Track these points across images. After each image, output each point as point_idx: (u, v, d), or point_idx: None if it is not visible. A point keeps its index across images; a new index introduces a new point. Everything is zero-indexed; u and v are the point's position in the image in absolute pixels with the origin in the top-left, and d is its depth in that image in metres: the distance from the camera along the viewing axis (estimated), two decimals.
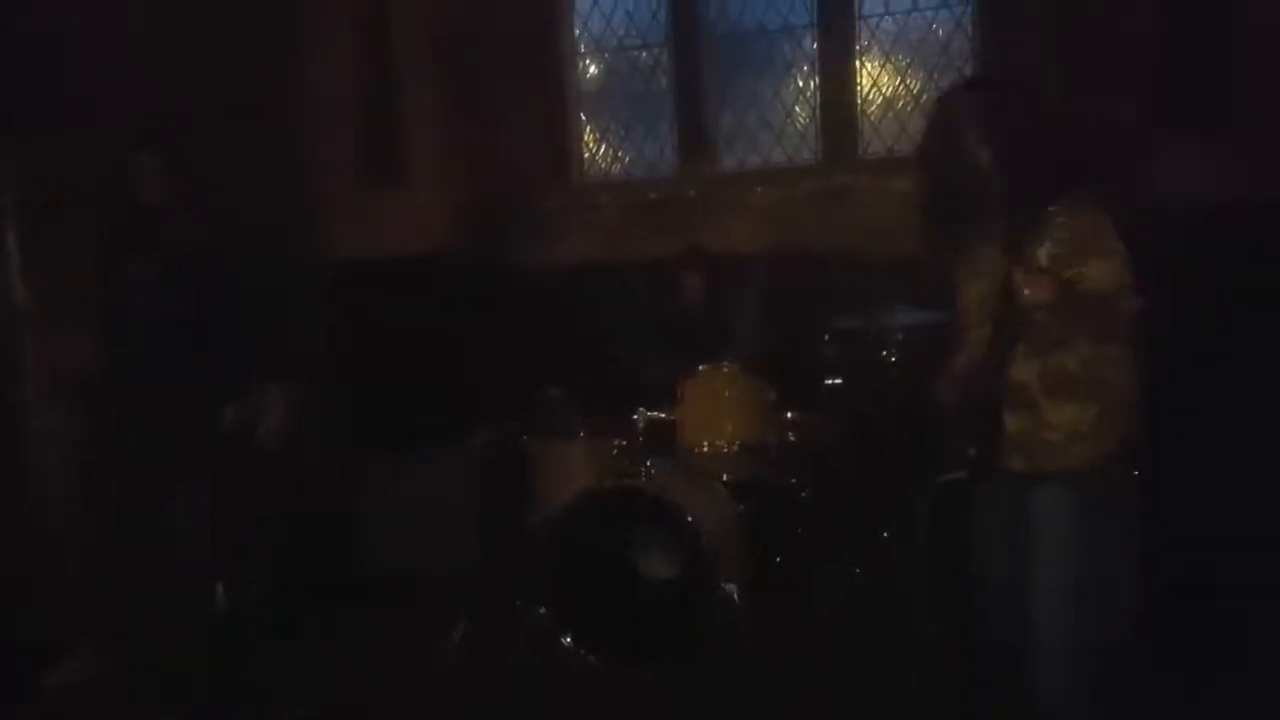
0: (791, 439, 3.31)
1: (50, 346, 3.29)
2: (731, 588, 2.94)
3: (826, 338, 3.30)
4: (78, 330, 2.99)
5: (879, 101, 4.49)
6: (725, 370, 3.30)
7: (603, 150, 4.85)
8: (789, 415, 3.37)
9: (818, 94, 4.52)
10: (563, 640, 2.96)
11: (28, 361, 3.31)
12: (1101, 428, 2.04)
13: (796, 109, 4.61)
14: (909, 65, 4.44)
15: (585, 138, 4.84)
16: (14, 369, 3.33)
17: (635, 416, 3.30)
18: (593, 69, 4.85)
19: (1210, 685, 2.66)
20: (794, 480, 3.29)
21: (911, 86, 4.45)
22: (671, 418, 3.32)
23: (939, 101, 2.26)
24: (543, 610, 3.01)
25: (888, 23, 4.44)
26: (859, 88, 4.48)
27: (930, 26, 4.39)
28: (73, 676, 3.14)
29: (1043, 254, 1.94)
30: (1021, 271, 1.91)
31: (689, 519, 2.93)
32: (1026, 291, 1.90)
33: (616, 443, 3.31)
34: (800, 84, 4.58)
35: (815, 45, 4.51)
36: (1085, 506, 2.04)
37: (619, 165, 4.84)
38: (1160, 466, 2.93)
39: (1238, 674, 2.72)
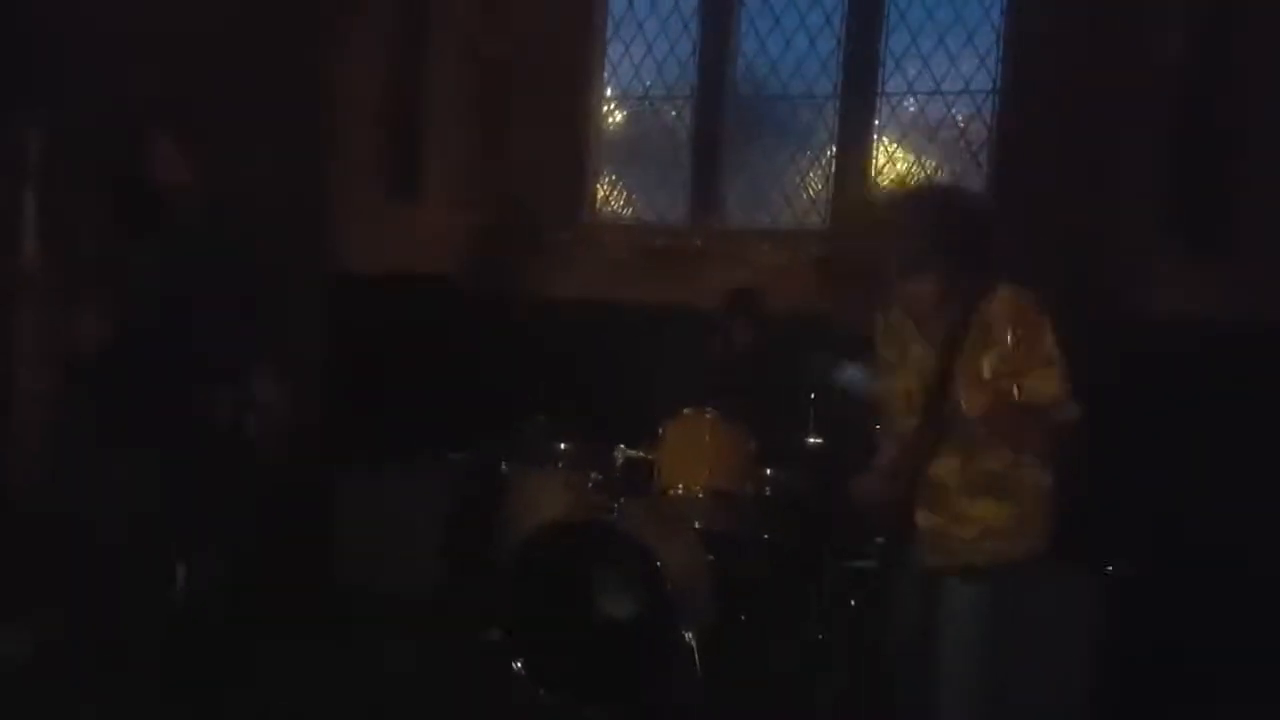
0: (768, 493, 3.29)
1: (51, 317, 3.31)
2: (690, 636, 2.91)
3: (812, 396, 3.30)
4: (79, 303, 3.00)
5: (891, 176, 4.57)
6: (707, 415, 3.30)
7: (616, 192, 4.93)
8: (768, 470, 3.36)
9: (833, 163, 4.61)
10: (514, 667, 2.92)
11: (25, 330, 3.32)
12: (1018, 527, 2.04)
13: (810, 175, 4.69)
14: (925, 145, 4.53)
15: (601, 178, 4.92)
16: (9, 337, 3.35)
17: (615, 453, 3.29)
18: (617, 114, 4.95)
19: None
20: (766, 535, 3.27)
21: (926, 166, 4.53)
22: (650, 457, 3.32)
23: (890, 203, 2.33)
24: (498, 635, 2.97)
25: (909, 102, 4.54)
26: (874, 161, 4.56)
27: (950, 111, 4.50)
28: (17, 645, 3.10)
29: (985, 362, 1.88)
30: (963, 382, 1.88)
31: (656, 561, 2.91)
32: (964, 404, 1.86)
33: (594, 476, 3.30)
34: (816, 151, 4.68)
35: (836, 116, 4.61)
36: (995, 604, 2.03)
37: (630, 209, 4.91)
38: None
39: None
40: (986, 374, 1.86)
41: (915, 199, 2.28)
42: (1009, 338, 1.83)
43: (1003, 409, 1.85)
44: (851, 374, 3.32)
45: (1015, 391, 1.82)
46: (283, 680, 3.00)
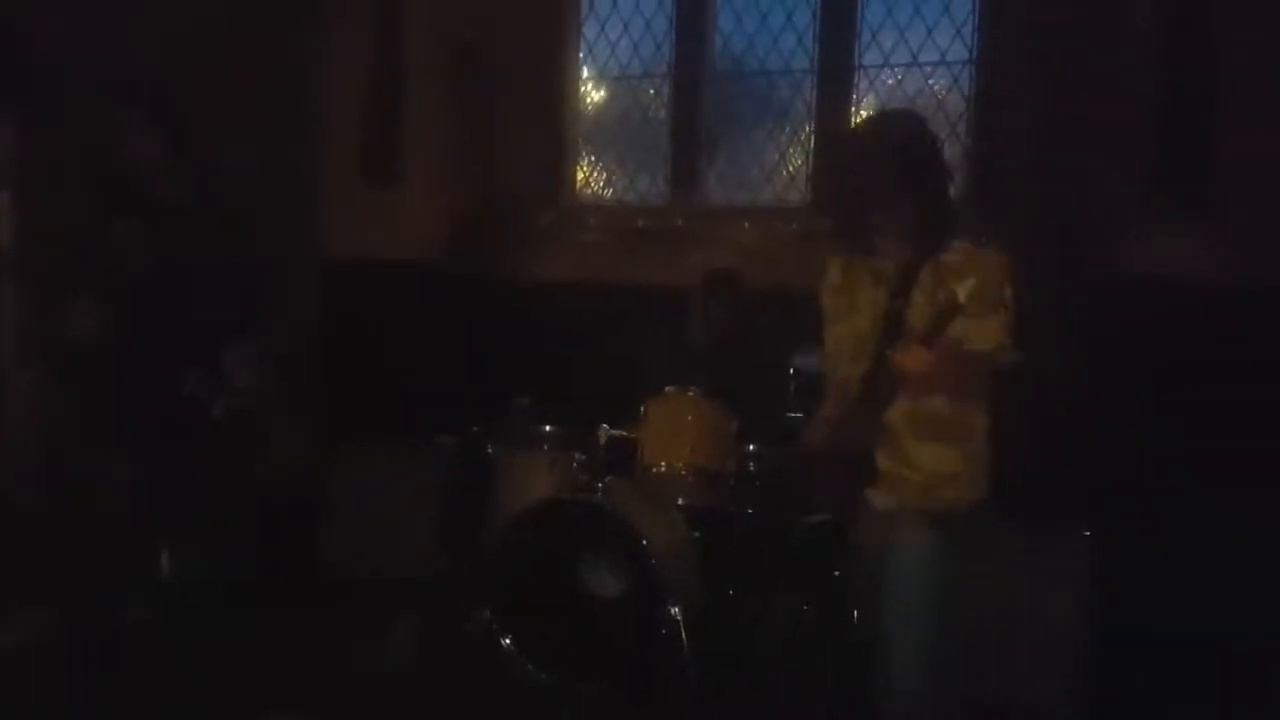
0: (750, 469, 3.33)
1: (31, 302, 3.31)
2: (677, 611, 2.96)
3: (791, 373, 3.33)
4: (61, 290, 3.00)
5: None
6: (689, 395, 3.33)
7: (596, 173, 4.93)
8: (750, 447, 3.39)
9: (812, 139, 4.62)
10: (503, 644, 2.96)
11: (6, 317, 3.33)
12: (963, 474, 2.06)
13: (790, 152, 4.70)
14: None
15: (581, 160, 4.92)
16: None
17: (598, 433, 3.33)
18: (594, 95, 4.94)
19: None
20: (749, 511, 3.31)
21: None
22: (633, 436, 3.35)
23: (850, 141, 2.32)
24: (488, 614, 3.01)
25: (886, 74, 4.54)
26: None
27: (927, 83, 4.50)
28: (12, 640, 3.13)
29: (928, 312, 1.90)
30: (901, 344, 1.89)
31: (641, 538, 2.95)
32: (906, 363, 1.87)
33: (578, 456, 3.34)
34: (795, 127, 4.68)
35: (814, 91, 4.61)
36: (945, 551, 2.04)
37: (611, 190, 4.92)
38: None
39: None
40: (926, 325, 1.87)
41: (879, 128, 2.24)
42: (961, 287, 1.83)
43: (943, 360, 1.87)
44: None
45: (958, 343, 1.84)
46: (274, 666, 3.03)
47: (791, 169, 4.68)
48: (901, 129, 2.13)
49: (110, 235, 2.86)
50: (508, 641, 3.00)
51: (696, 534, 3.22)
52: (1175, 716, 2.94)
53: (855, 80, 4.54)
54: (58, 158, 3.26)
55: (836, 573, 3.20)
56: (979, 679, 2.39)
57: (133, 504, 2.86)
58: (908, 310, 1.98)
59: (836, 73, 4.54)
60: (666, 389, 3.37)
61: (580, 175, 4.92)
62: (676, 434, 3.30)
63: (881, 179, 2.02)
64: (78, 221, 2.99)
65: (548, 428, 3.48)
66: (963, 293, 1.82)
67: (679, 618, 2.94)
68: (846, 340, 2.16)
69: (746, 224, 4.53)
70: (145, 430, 2.80)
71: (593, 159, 4.94)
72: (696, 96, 4.71)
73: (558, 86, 4.79)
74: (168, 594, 2.94)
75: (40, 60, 3.31)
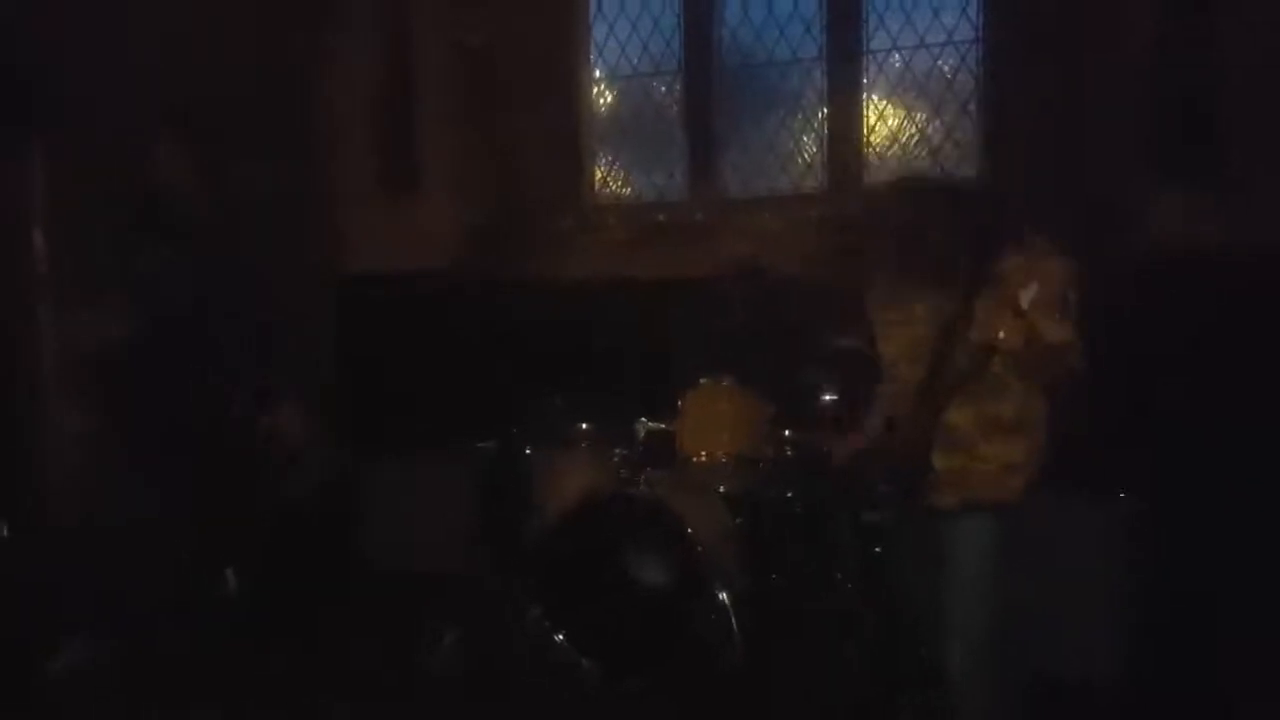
0: (788, 454, 3.39)
1: (66, 325, 3.39)
2: (725, 596, 3.02)
3: (823, 358, 3.39)
4: (94, 310, 3.07)
5: (884, 133, 4.62)
6: (724, 385, 3.39)
7: (613, 172, 4.99)
8: (786, 433, 3.45)
9: (825, 125, 4.66)
10: (556, 639, 3.03)
11: (44, 342, 3.41)
12: (1031, 462, 2.16)
13: (804, 139, 4.75)
14: (915, 99, 4.57)
15: (597, 160, 4.98)
16: (29, 350, 3.43)
17: (636, 427, 3.39)
18: (607, 94, 5.00)
19: None
20: (789, 495, 3.37)
21: (916, 120, 4.58)
22: (671, 429, 3.41)
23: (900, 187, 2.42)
24: (538, 611, 3.07)
25: (895, 58, 4.58)
26: (865, 120, 4.61)
27: (936, 63, 4.53)
28: (73, 664, 3.20)
29: (1010, 308, 1.95)
30: (1001, 316, 1.92)
31: (686, 528, 3.01)
32: (1001, 335, 1.91)
33: (617, 451, 3.40)
34: (808, 115, 4.72)
35: (824, 77, 4.65)
36: (1014, 534, 2.13)
37: (629, 188, 4.97)
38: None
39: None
40: (1014, 320, 1.92)
41: (913, 194, 2.35)
42: (1024, 293, 1.90)
43: (1028, 348, 1.94)
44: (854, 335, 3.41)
45: (1039, 334, 1.91)
46: (321, 672, 3.09)
47: (807, 156, 4.73)
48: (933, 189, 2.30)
49: (145, 256, 2.93)
50: (560, 637, 3.06)
51: (738, 520, 3.28)
52: (1223, 683, 2.95)
53: (864, 65, 4.59)
54: (92, 184, 3.33)
55: (878, 550, 3.29)
56: (1035, 656, 2.42)
57: (175, 522, 2.92)
58: (968, 319, 2.04)
59: (845, 58, 4.58)
60: (701, 381, 3.43)
61: (598, 175, 4.98)
62: (714, 424, 3.36)
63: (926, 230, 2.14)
64: (113, 246, 3.06)
65: (585, 426, 3.54)
66: (1025, 299, 1.89)
67: (727, 603, 3.00)
68: (905, 347, 2.23)
69: (766, 213, 4.59)
70: (186, 445, 2.86)
71: (609, 158, 5.00)
72: (708, 90, 4.76)
73: (570, 88, 4.85)
74: (212, 609, 3.00)
75: (72, 88, 3.38)
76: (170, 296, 2.88)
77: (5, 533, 3.39)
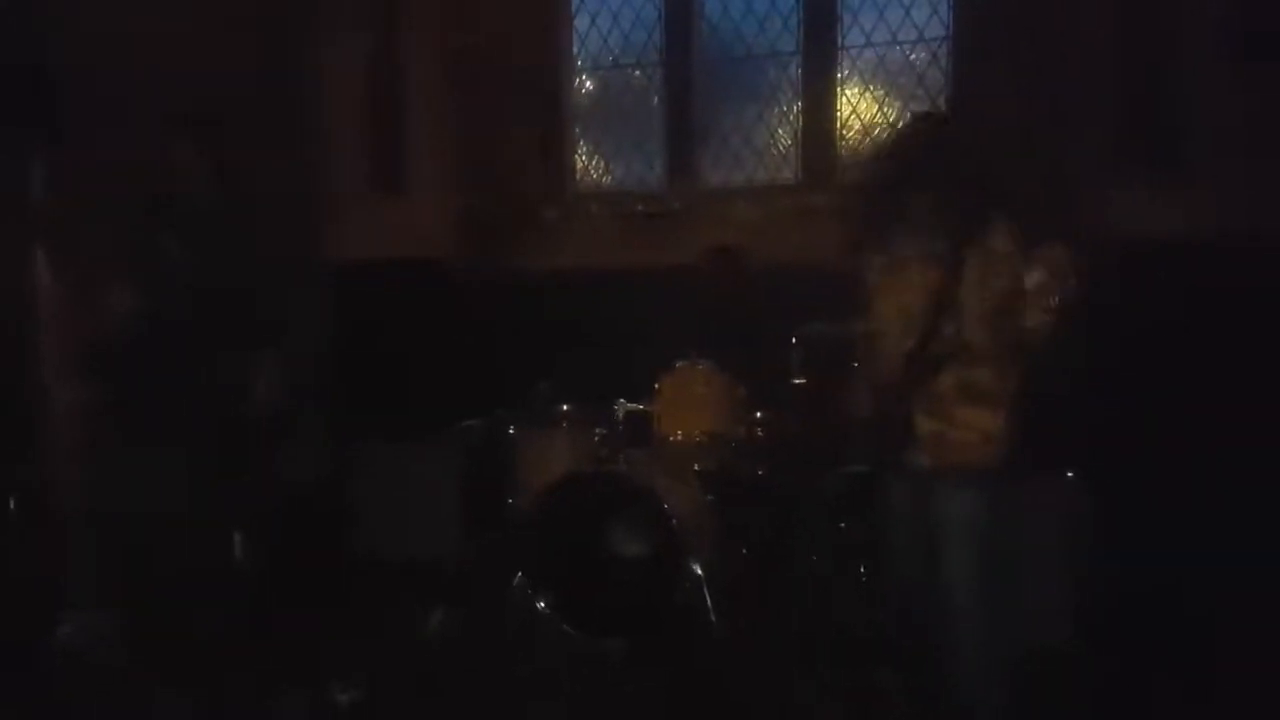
0: (759, 434, 3.55)
1: (72, 315, 3.49)
2: (698, 567, 3.18)
3: (794, 341, 3.54)
4: (101, 298, 3.18)
5: (857, 127, 4.78)
6: (699, 367, 3.54)
7: (595, 162, 5.12)
8: (758, 413, 3.61)
9: (800, 118, 4.81)
10: (539, 607, 3.18)
11: (49, 329, 3.51)
12: (1010, 433, 2.23)
13: (780, 132, 4.89)
14: (886, 94, 4.73)
15: (579, 150, 5.11)
16: (35, 335, 3.53)
17: (615, 408, 3.54)
18: (589, 86, 5.13)
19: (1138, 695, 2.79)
20: (759, 473, 3.53)
21: (888, 114, 4.73)
22: (649, 410, 3.56)
23: (897, 130, 2.52)
24: (522, 579, 3.22)
25: (869, 53, 4.73)
26: (839, 114, 4.76)
27: (908, 58, 4.69)
28: (80, 635, 3.30)
29: (988, 286, 2.08)
30: (970, 303, 2.05)
31: (662, 504, 3.17)
32: (971, 323, 2.03)
33: (597, 432, 3.55)
34: (784, 108, 4.87)
35: (799, 72, 4.80)
36: (995, 502, 2.22)
37: (610, 178, 5.11)
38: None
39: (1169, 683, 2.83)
40: (990, 297, 2.04)
41: (915, 125, 2.42)
42: (1028, 275, 2.01)
43: (1004, 326, 2.04)
44: (828, 320, 3.57)
45: (1018, 313, 2.02)
46: (311, 651, 3.13)
47: (782, 148, 4.88)
48: (936, 121, 2.34)
49: (151, 246, 3.04)
50: (542, 605, 3.21)
51: (712, 497, 3.44)
52: (1175, 642, 3.11)
53: (839, 60, 4.74)
54: (98, 180, 3.43)
55: (841, 525, 3.46)
56: (1015, 624, 2.52)
57: (171, 500, 3.03)
58: (960, 289, 2.13)
59: (821, 53, 4.73)
60: (677, 364, 3.58)
61: (579, 165, 5.11)
62: (690, 405, 3.51)
63: (929, 172, 2.20)
64: (120, 237, 3.17)
65: (566, 407, 3.68)
66: (1030, 280, 1.99)
67: (701, 574, 3.17)
68: (895, 317, 2.29)
69: (741, 203, 4.74)
70: (182, 428, 2.98)
71: (590, 148, 5.13)
72: (688, 82, 4.90)
73: (553, 80, 4.96)
74: (214, 586, 3.11)
75: (82, 87, 3.48)
76: (170, 281, 2.99)
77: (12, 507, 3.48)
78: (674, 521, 3.14)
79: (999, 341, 2.13)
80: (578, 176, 5.10)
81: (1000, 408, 2.22)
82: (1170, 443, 3.48)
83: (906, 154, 2.30)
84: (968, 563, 2.22)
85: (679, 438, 3.50)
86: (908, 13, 4.63)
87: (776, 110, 4.89)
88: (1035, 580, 3.01)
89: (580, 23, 5.07)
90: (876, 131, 4.72)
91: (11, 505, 3.41)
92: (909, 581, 2.37)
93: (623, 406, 3.57)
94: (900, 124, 2.51)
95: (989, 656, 2.24)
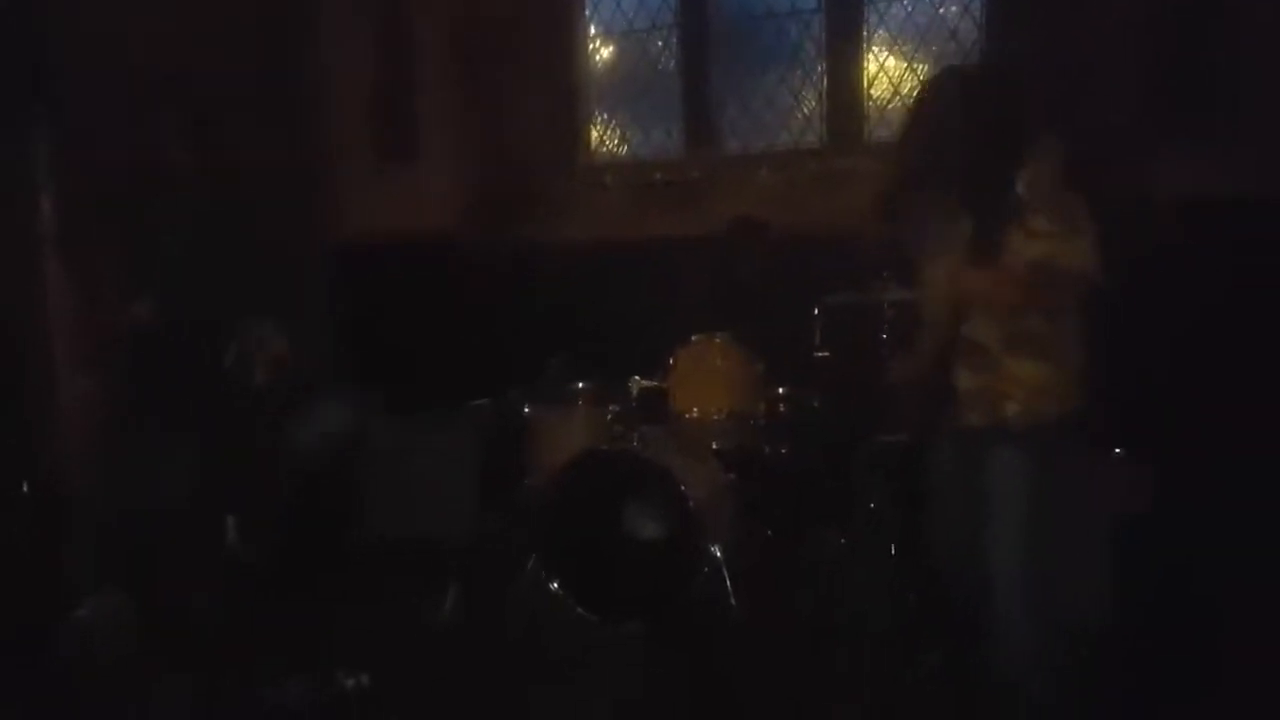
0: (781, 410, 3.39)
1: (78, 297, 3.43)
2: (717, 550, 3.04)
3: (816, 312, 3.37)
4: (107, 269, 3.11)
5: (885, 86, 4.55)
6: (717, 341, 3.39)
7: (610, 131, 4.96)
8: (779, 389, 3.45)
9: (824, 79, 4.59)
10: (552, 587, 3.06)
11: (55, 313, 3.46)
12: (1059, 388, 2.10)
13: (803, 94, 4.68)
14: (916, 51, 4.50)
15: (594, 119, 4.94)
16: (40, 312, 3.48)
17: (629, 385, 3.40)
18: (602, 52, 4.95)
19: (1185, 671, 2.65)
20: (782, 450, 3.37)
21: (918, 72, 4.50)
22: (664, 386, 3.42)
23: (926, 85, 2.36)
24: (535, 562, 3.11)
25: (896, 8, 4.49)
26: (865, 73, 4.54)
27: (938, 12, 4.44)
28: (93, 618, 3.28)
29: (1025, 230, 1.98)
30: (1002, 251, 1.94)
31: (679, 484, 3.03)
32: (1000, 272, 1.92)
33: (612, 409, 3.42)
34: (807, 68, 4.65)
35: (823, 29, 4.58)
36: (1045, 462, 2.08)
37: (626, 147, 4.94)
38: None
39: (1213, 663, 2.69)
40: (1027, 245, 1.94)
41: (949, 76, 2.30)
42: (1049, 209, 1.92)
43: (1043, 274, 1.93)
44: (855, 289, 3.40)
45: (1050, 261, 1.91)
46: (322, 633, 3.09)
47: (806, 111, 4.67)
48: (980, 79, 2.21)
49: (148, 223, 2.96)
50: (555, 586, 3.10)
51: (731, 476, 3.29)
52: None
53: (865, 15, 4.51)
54: (96, 157, 3.35)
55: (872, 505, 3.30)
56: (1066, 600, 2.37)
57: (185, 480, 2.98)
58: (996, 244, 2.02)
59: (845, 9, 4.50)
60: (693, 337, 3.43)
61: (595, 134, 4.95)
62: (706, 381, 3.36)
63: (959, 116, 2.09)
64: (118, 214, 3.09)
65: (581, 383, 3.55)
66: (1045, 220, 1.89)
67: (720, 556, 3.03)
68: (941, 278, 2.20)
69: (764, 170, 4.55)
70: (191, 406, 2.92)
71: (605, 117, 4.96)
72: (704, 45, 4.71)
73: (566, 47, 4.80)
74: (224, 566, 3.05)
75: (75, 65, 3.40)
76: (177, 264, 2.92)
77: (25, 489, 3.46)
78: (691, 503, 3.00)
79: (1042, 292, 2.01)
80: (592, 145, 4.94)
81: (1050, 359, 2.09)
82: (1218, 417, 3.26)
83: (941, 112, 2.16)
84: (1019, 527, 2.08)
85: (695, 414, 3.36)
86: None
87: (799, 71, 4.67)
88: (1083, 555, 2.83)
89: None
90: (906, 90, 4.50)
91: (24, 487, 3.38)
92: (955, 552, 2.23)
93: (637, 383, 3.42)
94: (934, 80, 2.32)
95: (1041, 631, 2.10)
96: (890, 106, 4.54)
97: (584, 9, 4.86)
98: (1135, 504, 2.95)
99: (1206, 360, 3.36)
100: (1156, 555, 2.94)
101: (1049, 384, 2.09)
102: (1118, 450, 3.09)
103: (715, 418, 3.34)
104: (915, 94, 2.41)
